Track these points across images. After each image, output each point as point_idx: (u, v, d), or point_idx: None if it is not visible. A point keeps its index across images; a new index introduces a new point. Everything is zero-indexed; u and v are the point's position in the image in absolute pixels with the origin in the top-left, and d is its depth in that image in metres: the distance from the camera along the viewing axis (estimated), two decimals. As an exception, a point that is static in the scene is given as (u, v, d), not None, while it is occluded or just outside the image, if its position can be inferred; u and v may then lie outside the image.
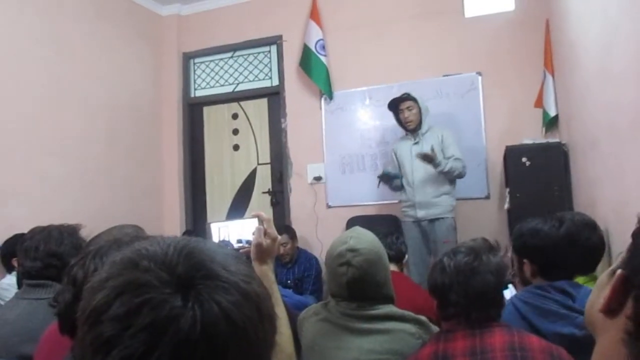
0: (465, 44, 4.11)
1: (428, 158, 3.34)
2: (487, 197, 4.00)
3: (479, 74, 4.08)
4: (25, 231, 1.90)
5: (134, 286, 0.49)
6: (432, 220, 3.47)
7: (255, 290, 0.54)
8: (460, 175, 3.47)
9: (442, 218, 3.46)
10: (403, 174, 3.62)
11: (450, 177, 3.47)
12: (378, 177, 3.61)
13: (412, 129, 3.60)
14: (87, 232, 1.83)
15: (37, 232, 1.85)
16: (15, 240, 2.68)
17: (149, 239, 0.58)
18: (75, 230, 1.89)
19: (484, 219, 3.96)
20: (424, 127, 3.57)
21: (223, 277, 0.52)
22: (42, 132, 3.57)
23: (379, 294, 1.60)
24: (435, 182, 3.47)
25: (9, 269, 2.60)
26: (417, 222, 3.53)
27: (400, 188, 3.64)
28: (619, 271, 0.56)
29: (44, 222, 1.90)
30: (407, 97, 3.58)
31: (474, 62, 4.08)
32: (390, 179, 3.60)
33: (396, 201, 3.92)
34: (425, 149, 3.46)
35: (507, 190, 3.56)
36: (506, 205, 3.60)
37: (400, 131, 3.78)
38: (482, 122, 4.04)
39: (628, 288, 0.54)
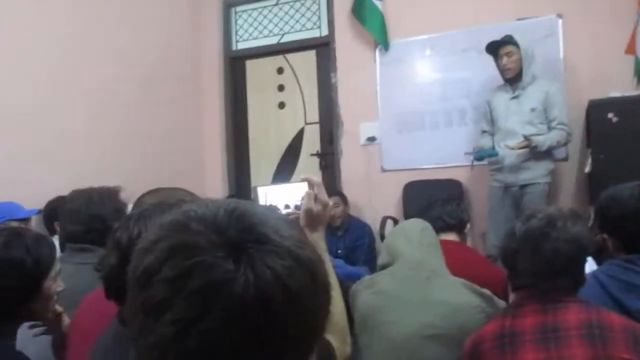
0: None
1: (525, 147, 3.24)
2: (565, 159, 3.88)
3: (559, 16, 3.90)
4: (65, 194, 2.01)
5: (185, 248, 0.52)
6: (523, 186, 3.38)
7: (309, 256, 0.56)
8: (564, 145, 3.34)
9: (534, 184, 3.35)
10: (496, 131, 3.51)
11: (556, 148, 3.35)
12: (473, 157, 3.48)
13: (510, 79, 3.47)
14: (127, 195, 1.92)
15: (77, 195, 1.96)
16: (56, 204, 2.85)
17: (196, 202, 0.61)
18: (116, 192, 1.99)
19: (562, 185, 3.85)
20: (526, 78, 3.42)
21: (276, 242, 0.54)
22: (72, 87, 3.67)
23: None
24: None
25: (52, 233, 2.78)
26: (506, 187, 3.44)
27: (496, 156, 3.48)
28: None
29: (82, 184, 2.01)
30: (508, 40, 3.43)
31: (554, 2, 3.90)
32: (486, 158, 3.50)
33: (459, 164, 3.87)
34: (526, 105, 3.33)
35: (589, 151, 3.44)
36: (587, 169, 3.48)
37: (496, 80, 3.61)
38: (562, 72, 3.88)
39: None
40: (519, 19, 3.99)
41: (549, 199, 3.40)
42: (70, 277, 1.54)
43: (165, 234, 0.54)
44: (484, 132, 3.68)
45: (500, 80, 3.61)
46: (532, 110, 3.33)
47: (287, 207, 1.28)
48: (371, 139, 4.48)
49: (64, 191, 2.07)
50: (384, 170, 4.45)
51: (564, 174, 3.89)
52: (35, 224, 3.05)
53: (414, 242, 1.86)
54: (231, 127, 5.05)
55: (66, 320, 1.52)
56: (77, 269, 1.67)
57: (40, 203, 3.04)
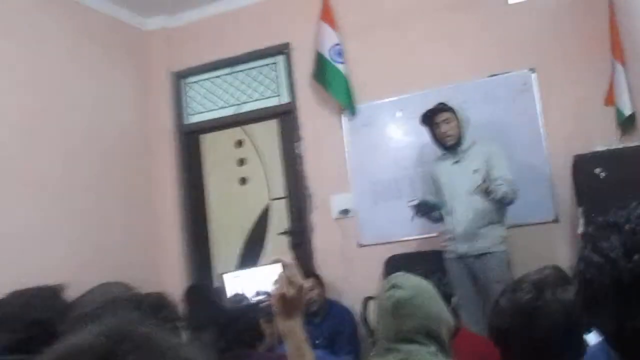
0: (511, 35, 4.14)
1: (486, 190, 3.35)
2: (555, 221, 3.96)
3: (532, 70, 4.09)
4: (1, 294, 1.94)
5: None
6: (478, 256, 3.45)
7: None
8: (511, 202, 3.44)
9: (490, 253, 3.43)
10: (442, 201, 3.62)
11: (500, 205, 3.45)
12: (413, 206, 3.54)
13: (451, 145, 3.61)
14: (73, 292, 1.87)
15: (14, 298, 1.89)
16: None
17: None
18: (59, 291, 1.93)
19: (553, 249, 3.92)
20: (466, 142, 3.58)
21: None
22: (13, 174, 3.67)
23: (431, 328, 1.63)
24: (480, 209, 3.45)
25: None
26: (461, 258, 3.51)
27: (440, 219, 3.63)
28: None
29: (22, 282, 1.95)
30: (442, 107, 3.59)
31: (525, 56, 4.10)
32: (429, 209, 3.59)
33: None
34: (468, 168, 3.45)
35: (580, 210, 3.51)
36: (580, 229, 3.54)
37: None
38: (540, 129, 4.03)
39: None
40: (491, 75, 4.17)
41: (509, 269, 3.43)
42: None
43: None
44: None
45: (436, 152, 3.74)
46: (475, 171, 3.43)
47: (257, 293, 1.26)
48: (345, 212, 4.50)
49: (3, 290, 2.00)
50: (361, 245, 4.45)
51: (554, 236, 3.96)
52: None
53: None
54: (188, 208, 5.02)
55: None
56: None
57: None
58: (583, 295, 0.90)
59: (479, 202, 3.43)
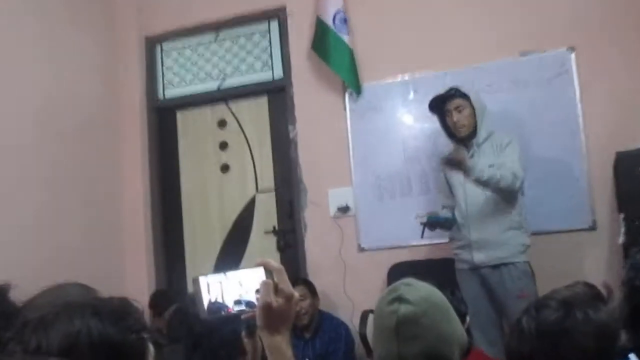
0: (548, 8, 4.13)
1: (453, 162, 3.41)
2: (593, 228, 3.96)
3: (571, 50, 4.08)
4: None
5: None
6: (495, 267, 3.47)
7: None
8: (509, 188, 3.41)
9: (511, 263, 3.44)
10: (456, 202, 3.64)
11: (493, 189, 3.45)
12: (422, 224, 3.58)
13: (464, 137, 3.62)
14: (24, 295, 1.87)
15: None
16: None
17: None
18: (4, 292, 1.93)
19: (586, 261, 3.93)
20: (482, 133, 3.59)
21: None
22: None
23: (442, 352, 1.61)
24: (498, 212, 3.47)
25: None
26: (475, 269, 3.53)
27: (452, 226, 3.65)
28: None
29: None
30: (454, 93, 3.60)
31: (564, 33, 4.09)
32: (440, 225, 3.62)
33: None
34: (484, 165, 3.46)
35: (622, 216, 3.53)
36: (621, 239, 3.56)
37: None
38: (579, 119, 4.03)
39: None
40: (522, 54, 4.17)
41: (533, 281, 3.45)
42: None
43: None
44: (443, 207, 3.79)
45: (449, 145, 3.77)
46: (491, 167, 3.43)
47: (238, 302, 1.27)
48: (344, 210, 4.51)
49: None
50: (361, 250, 4.47)
51: (588, 247, 3.96)
52: None
53: None
54: (159, 199, 5.03)
55: None
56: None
57: None
58: (630, 306, 0.91)
59: (498, 204, 3.45)
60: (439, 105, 3.66)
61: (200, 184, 5.03)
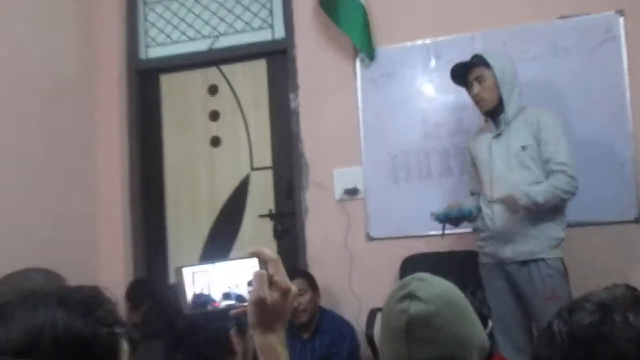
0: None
1: (509, 203, 3.35)
2: (636, 221, 3.97)
3: (620, 13, 4.06)
4: None
5: None
6: (524, 263, 3.46)
7: None
8: (564, 200, 3.42)
9: (541, 259, 3.43)
10: (482, 185, 3.64)
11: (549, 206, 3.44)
12: (439, 220, 3.62)
13: (487, 112, 3.60)
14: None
15: None
16: None
17: None
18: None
19: (630, 257, 3.92)
20: (511, 109, 3.54)
21: None
22: None
23: (458, 357, 1.60)
24: None
25: None
26: (501, 264, 3.53)
27: (475, 218, 3.66)
28: None
29: None
30: (474, 61, 3.58)
31: (612, -6, 4.08)
32: (459, 220, 3.64)
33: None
34: (514, 144, 3.43)
35: (672, 207, 3.53)
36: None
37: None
38: (626, 93, 4.01)
39: None
40: (562, 17, 4.14)
41: (566, 281, 3.44)
42: None
43: None
44: (472, 194, 3.81)
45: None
46: (523, 148, 3.40)
47: (227, 296, 1.26)
48: (352, 192, 4.51)
49: None
50: (371, 239, 4.47)
51: (633, 241, 3.96)
52: None
53: None
54: (139, 176, 5.04)
55: None
56: None
57: None
58: None
59: (529, 190, 3.42)
60: (462, 76, 3.64)
61: (187, 159, 5.04)
